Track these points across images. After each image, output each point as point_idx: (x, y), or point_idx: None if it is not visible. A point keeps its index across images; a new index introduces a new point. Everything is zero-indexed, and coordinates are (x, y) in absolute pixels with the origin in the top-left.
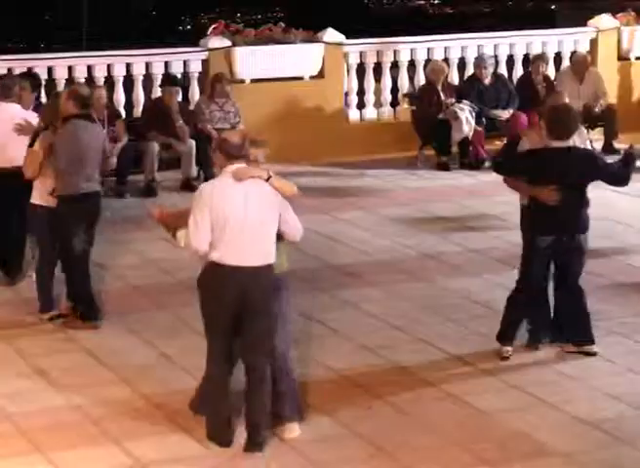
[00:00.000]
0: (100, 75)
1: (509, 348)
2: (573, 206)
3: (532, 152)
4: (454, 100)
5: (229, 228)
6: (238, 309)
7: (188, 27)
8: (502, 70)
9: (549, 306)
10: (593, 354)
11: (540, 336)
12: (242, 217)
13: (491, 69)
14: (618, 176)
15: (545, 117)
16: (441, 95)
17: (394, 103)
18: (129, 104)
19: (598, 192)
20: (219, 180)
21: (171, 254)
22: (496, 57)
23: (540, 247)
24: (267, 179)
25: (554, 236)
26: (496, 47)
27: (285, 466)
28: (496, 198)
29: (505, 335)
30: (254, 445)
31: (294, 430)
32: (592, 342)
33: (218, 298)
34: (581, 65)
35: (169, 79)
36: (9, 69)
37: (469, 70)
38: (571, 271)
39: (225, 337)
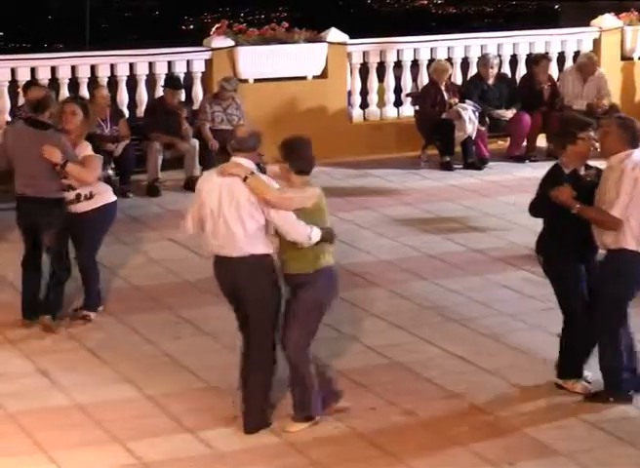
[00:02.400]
0: (103, 75)
1: (578, 382)
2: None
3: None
4: (457, 100)
5: (209, 219)
6: (234, 297)
7: (191, 27)
8: (506, 70)
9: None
10: None
11: None
12: (217, 210)
13: (496, 69)
14: None
15: None
16: (444, 94)
17: (397, 103)
18: (132, 104)
19: None
20: (209, 172)
21: (176, 255)
22: (499, 56)
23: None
24: (245, 179)
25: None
26: (499, 46)
27: (288, 466)
28: (499, 198)
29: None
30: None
31: (294, 427)
32: None
33: (220, 286)
34: (589, 67)
35: (172, 82)
36: (12, 69)
37: (472, 70)
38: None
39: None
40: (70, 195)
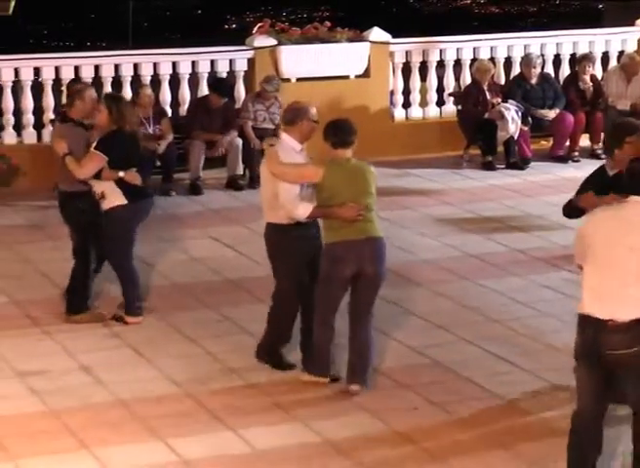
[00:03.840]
0: (146, 74)
1: None
2: None
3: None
4: (499, 100)
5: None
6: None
7: (234, 26)
8: (549, 70)
9: None
10: None
11: None
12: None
13: (539, 69)
14: None
15: None
16: (487, 94)
17: (440, 103)
18: (175, 103)
19: None
20: None
21: (217, 253)
22: (542, 56)
23: None
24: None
25: None
26: (542, 46)
27: (329, 466)
28: (541, 198)
29: None
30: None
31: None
32: None
33: None
34: (633, 67)
35: (219, 88)
36: (56, 68)
37: (515, 70)
38: None
39: None
40: (92, 191)
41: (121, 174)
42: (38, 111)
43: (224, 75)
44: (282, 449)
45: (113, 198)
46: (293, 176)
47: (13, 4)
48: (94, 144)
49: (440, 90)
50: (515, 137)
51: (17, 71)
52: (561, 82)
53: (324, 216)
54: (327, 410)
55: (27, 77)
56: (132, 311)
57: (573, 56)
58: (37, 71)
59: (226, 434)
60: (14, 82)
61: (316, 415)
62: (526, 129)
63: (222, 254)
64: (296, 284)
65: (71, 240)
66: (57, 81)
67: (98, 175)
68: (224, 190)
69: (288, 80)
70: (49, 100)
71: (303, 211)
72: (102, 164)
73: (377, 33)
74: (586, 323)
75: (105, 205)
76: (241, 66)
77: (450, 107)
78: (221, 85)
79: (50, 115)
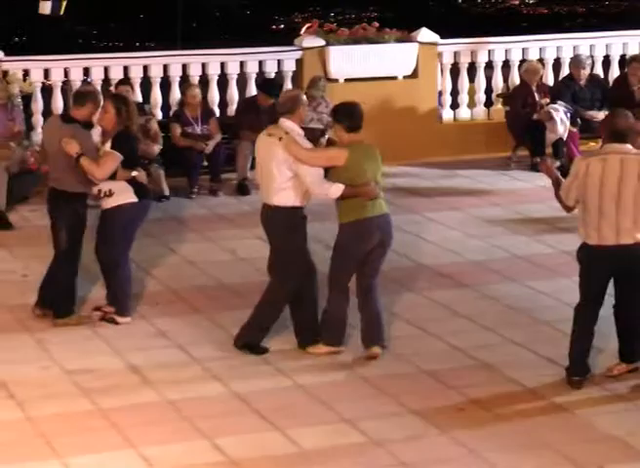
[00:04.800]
0: (194, 74)
1: None
2: None
3: None
4: (548, 101)
5: (257, 171)
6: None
7: (282, 27)
8: (598, 71)
9: None
10: None
11: None
12: (260, 164)
13: (588, 70)
14: None
15: None
16: (535, 95)
17: (488, 104)
18: (223, 103)
19: None
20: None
21: (264, 253)
22: (592, 57)
23: None
24: (280, 139)
25: None
26: (592, 47)
27: (375, 465)
28: None
29: None
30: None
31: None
32: None
33: None
34: None
35: (268, 88)
36: (105, 68)
37: (564, 71)
38: None
39: None
40: (94, 190)
41: (134, 173)
42: None
43: (273, 75)
44: (329, 449)
45: (123, 196)
46: (321, 160)
47: (64, 4)
48: (108, 144)
49: (488, 91)
50: (564, 139)
51: (66, 71)
52: (610, 83)
53: (353, 196)
54: (373, 411)
55: (77, 77)
56: (125, 311)
57: (622, 57)
58: (86, 71)
59: (273, 434)
60: (63, 82)
61: (363, 416)
62: (575, 130)
63: (268, 254)
64: (305, 262)
65: (57, 241)
66: (105, 81)
67: (112, 175)
68: None
69: (336, 81)
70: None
71: (335, 190)
72: (118, 163)
73: (425, 34)
74: None
75: (111, 202)
76: (289, 67)
77: (498, 108)
78: (270, 85)
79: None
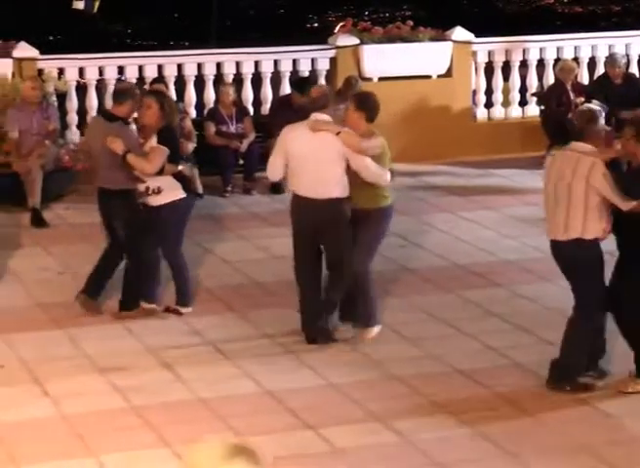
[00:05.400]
0: (228, 72)
1: None
2: None
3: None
4: (583, 100)
5: (298, 165)
6: (313, 232)
7: (316, 25)
8: (634, 70)
9: None
10: None
11: None
12: (307, 158)
13: (623, 69)
14: None
15: None
16: (570, 94)
17: (522, 103)
18: (257, 102)
19: None
20: (298, 124)
21: None
22: (627, 56)
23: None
24: (337, 134)
25: None
26: (627, 46)
27: (408, 465)
28: None
29: None
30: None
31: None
32: None
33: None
34: None
35: (300, 86)
36: (140, 66)
37: (599, 69)
38: None
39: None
40: (141, 187)
41: (180, 167)
42: None
43: (307, 74)
44: (361, 449)
45: (172, 192)
46: (376, 149)
47: (97, 3)
48: (153, 139)
49: (523, 90)
50: None
51: (101, 70)
52: None
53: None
54: (406, 410)
55: (111, 76)
56: (185, 301)
57: None
58: (121, 70)
59: (305, 432)
60: (98, 80)
61: (395, 415)
62: (609, 129)
63: None
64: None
65: (115, 239)
66: (140, 80)
67: (160, 170)
68: None
69: (369, 79)
70: None
71: (388, 177)
72: (166, 158)
73: (459, 33)
74: None
75: (161, 199)
76: (323, 65)
77: (533, 107)
78: (304, 83)
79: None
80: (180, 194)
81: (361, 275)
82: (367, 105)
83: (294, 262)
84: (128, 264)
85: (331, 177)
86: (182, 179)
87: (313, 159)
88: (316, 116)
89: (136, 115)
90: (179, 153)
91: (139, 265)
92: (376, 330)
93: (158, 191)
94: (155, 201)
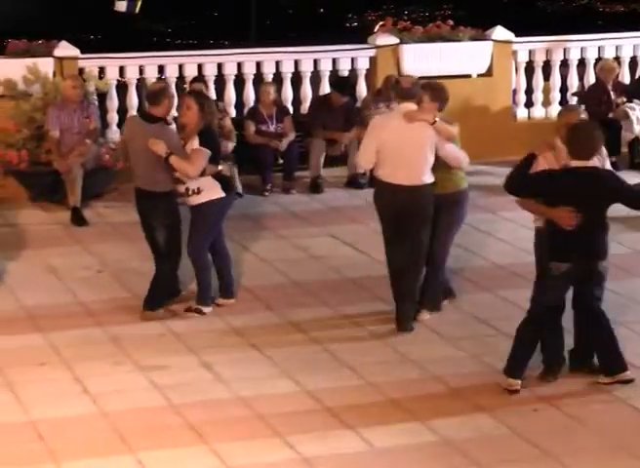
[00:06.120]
0: (268, 71)
1: (518, 381)
2: (591, 230)
3: (550, 173)
4: (624, 100)
5: (389, 154)
6: (401, 217)
7: (355, 25)
8: None
9: (561, 336)
10: (630, 381)
11: (554, 368)
12: (400, 147)
13: None
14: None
15: (567, 136)
16: (611, 94)
17: (563, 102)
18: (296, 101)
19: None
20: (389, 114)
21: (337, 251)
22: None
23: (554, 274)
24: (432, 124)
25: (571, 263)
26: None
27: (447, 465)
28: None
29: (515, 368)
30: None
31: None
32: (624, 369)
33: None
34: None
35: (340, 86)
36: (180, 65)
37: None
38: (588, 299)
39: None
40: (181, 189)
41: (220, 167)
42: None
43: (346, 73)
44: (400, 448)
45: (212, 192)
46: (456, 136)
47: (140, 3)
48: (195, 141)
49: (563, 89)
50: None
51: (141, 69)
52: None
53: None
54: (445, 410)
55: (152, 75)
56: (207, 300)
57: None
58: (161, 69)
59: (345, 432)
60: (138, 80)
61: (434, 415)
62: None
63: (342, 253)
64: None
65: (153, 240)
66: (180, 79)
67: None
68: (345, 188)
69: None
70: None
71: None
72: (207, 159)
73: (499, 32)
74: None
75: (201, 199)
76: (363, 65)
77: None
78: (343, 83)
79: (173, 112)
80: (219, 193)
81: (440, 258)
82: (441, 96)
83: (385, 248)
84: (162, 265)
85: (423, 165)
86: (222, 179)
87: (407, 147)
88: (407, 106)
89: (175, 114)
90: (219, 154)
91: (173, 268)
92: (427, 316)
93: (198, 191)
94: (194, 200)
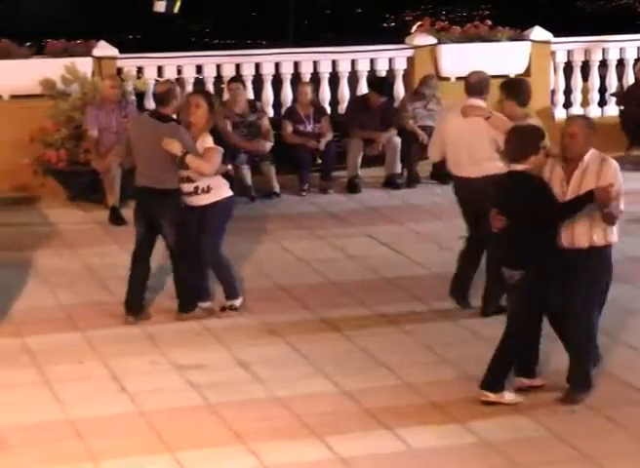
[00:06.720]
0: (306, 72)
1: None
2: (513, 236)
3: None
4: None
5: (451, 147)
6: (473, 211)
7: (393, 25)
8: None
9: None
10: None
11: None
12: (459, 140)
13: None
14: (558, 214)
15: (505, 138)
16: None
17: (601, 103)
18: (334, 101)
19: None
20: (453, 109)
21: (374, 251)
22: None
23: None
24: (487, 118)
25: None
26: None
27: (484, 466)
28: None
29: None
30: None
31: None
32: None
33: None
34: None
35: (379, 86)
36: (218, 65)
37: None
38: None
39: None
40: (189, 188)
41: (229, 166)
42: None
43: (384, 74)
44: (438, 449)
45: (222, 190)
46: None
47: (179, 4)
48: (207, 139)
49: (602, 90)
50: None
51: (179, 69)
52: None
53: None
54: (484, 411)
55: (190, 75)
56: (235, 294)
57: None
58: (199, 69)
59: (382, 432)
60: (176, 79)
61: (472, 416)
62: None
63: (379, 253)
64: None
65: (169, 241)
66: (218, 78)
67: None
68: (382, 189)
69: (447, 79)
70: None
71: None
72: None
73: (538, 32)
74: None
75: (211, 198)
76: (400, 65)
77: (612, 107)
78: (381, 83)
79: None
80: (228, 192)
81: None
82: (514, 91)
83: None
84: (178, 266)
85: (482, 158)
86: (230, 179)
87: (466, 141)
88: (471, 101)
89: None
90: (227, 153)
91: (194, 266)
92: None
93: (208, 190)
94: (203, 200)
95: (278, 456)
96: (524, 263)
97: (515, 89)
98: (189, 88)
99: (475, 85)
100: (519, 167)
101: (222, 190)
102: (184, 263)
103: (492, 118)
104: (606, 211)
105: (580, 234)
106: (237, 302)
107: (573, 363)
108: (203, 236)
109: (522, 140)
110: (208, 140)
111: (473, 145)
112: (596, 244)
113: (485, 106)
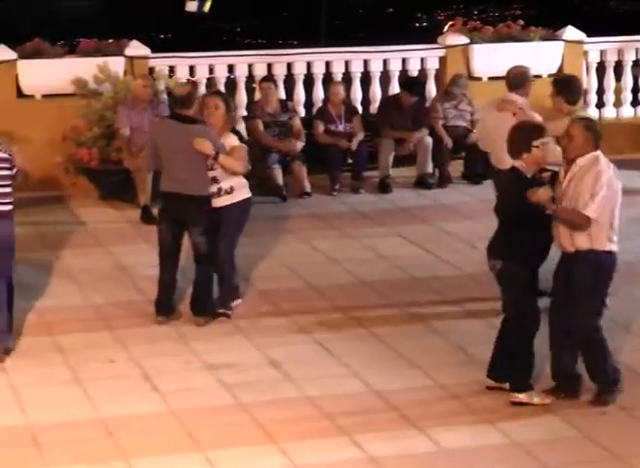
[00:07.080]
0: (337, 71)
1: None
2: (501, 229)
3: None
4: None
5: (485, 139)
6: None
7: (424, 24)
8: None
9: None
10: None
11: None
12: (491, 134)
13: None
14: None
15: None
16: None
17: (635, 103)
18: (365, 101)
19: None
20: (490, 103)
21: (405, 251)
22: None
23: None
24: (514, 114)
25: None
26: None
27: (515, 466)
28: None
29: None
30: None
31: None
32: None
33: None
34: None
35: (411, 87)
36: (249, 65)
37: None
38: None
39: None
40: (213, 189)
41: (249, 167)
42: None
43: (415, 73)
44: (468, 449)
45: (243, 191)
46: (555, 131)
47: (209, 3)
48: (233, 138)
49: (635, 90)
50: None
51: (211, 68)
52: None
53: None
54: (513, 412)
55: (221, 74)
56: (228, 305)
57: None
58: (231, 68)
59: (413, 432)
60: (208, 79)
61: (503, 417)
62: None
63: (410, 253)
64: None
65: (197, 247)
66: (249, 78)
67: None
68: (413, 189)
69: (479, 79)
70: (242, 97)
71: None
72: None
73: (571, 32)
74: None
75: (232, 199)
76: (432, 65)
77: None
78: (413, 83)
79: (242, 112)
80: (247, 194)
81: None
82: (565, 88)
83: None
84: (205, 268)
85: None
86: (247, 179)
87: (494, 135)
88: (509, 96)
89: None
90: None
91: (212, 273)
92: None
93: (231, 191)
94: (225, 201)
95: (308, 456)
96: (504, 255)
97: (566, 86)
98: (202, 88)
99: (513, 79)
100: (516, 163)
101: (243, 191)
102: (210, 269)
103: (517, 114)
104: (549, 211)
105: (564, 237)
106: (236, 302)
107: (586, 363)
108: (220, 237)
109: (515, 137)
110: (232, 139)
111: (498, 139)
112: (582, 248)
113: (520, 101)
